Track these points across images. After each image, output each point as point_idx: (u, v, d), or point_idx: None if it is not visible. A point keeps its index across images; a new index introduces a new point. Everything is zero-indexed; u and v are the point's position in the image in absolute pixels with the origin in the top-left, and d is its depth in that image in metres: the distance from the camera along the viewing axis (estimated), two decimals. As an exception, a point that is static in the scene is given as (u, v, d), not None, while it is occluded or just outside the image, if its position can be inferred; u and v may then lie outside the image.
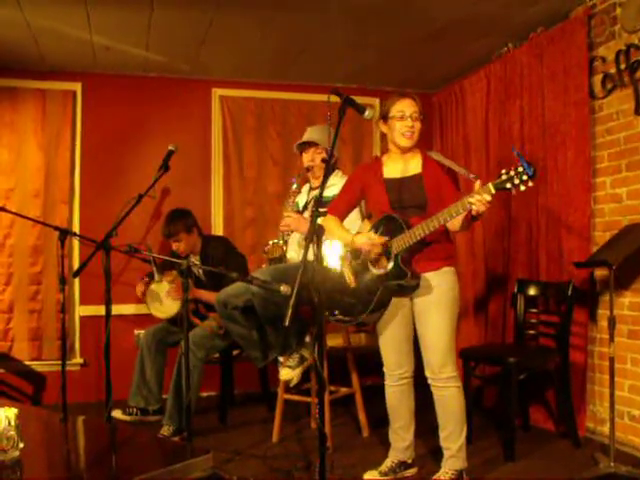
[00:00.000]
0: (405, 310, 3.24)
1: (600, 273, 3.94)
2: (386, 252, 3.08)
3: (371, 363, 3.40)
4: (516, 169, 2.67)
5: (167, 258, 3.80)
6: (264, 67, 5.20)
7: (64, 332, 3.86)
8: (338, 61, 5.02)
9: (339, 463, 3.48)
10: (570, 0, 4.05)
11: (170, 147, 3.78)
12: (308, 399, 4.09)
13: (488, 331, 4.90)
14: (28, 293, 4.96)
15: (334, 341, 4.19)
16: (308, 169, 3.98)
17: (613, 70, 3.83)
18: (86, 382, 4.91)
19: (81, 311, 5.11)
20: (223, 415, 4.49)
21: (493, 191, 2.73)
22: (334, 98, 2.66)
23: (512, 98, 4.65)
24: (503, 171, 2.72)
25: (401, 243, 3.01)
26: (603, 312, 3.95)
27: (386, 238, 3.06)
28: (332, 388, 4.04)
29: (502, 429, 3.91)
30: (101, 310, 3.51)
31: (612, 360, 3.29)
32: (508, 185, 2.69)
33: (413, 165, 3.21)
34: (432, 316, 3.12)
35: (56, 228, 3.86)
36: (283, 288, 2.75)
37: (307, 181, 4.13)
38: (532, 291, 4.20)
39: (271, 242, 4.04)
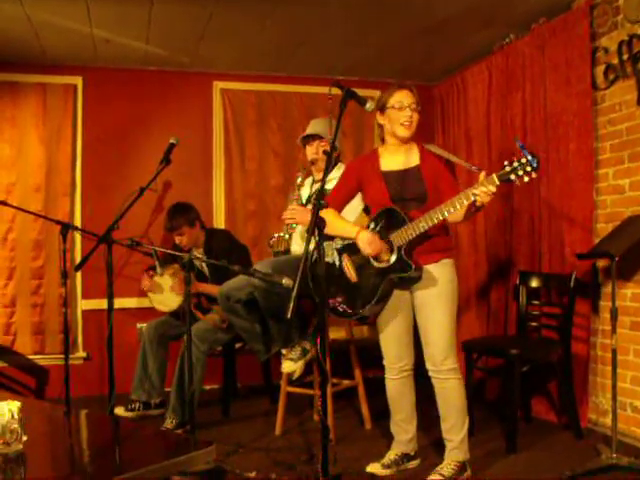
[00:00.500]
0: (405, 303, 3.24)
1: (602, 264, 3.94)
2: (388, 246, 3.07)
3: (373, 355, 3.40)
4: (520, 160, 2.68)
5: (169, 251, 3.80)
6: (265, 60, 5.18)
7: (66, 326, 3.86)
8: (339, 53, 5.01)
9: (342, 455, 3.48)
10: (572, -10, 4.04)
11: (171, 140, 3.77)
12: (311, 392, 4.09)
13: (490, 323, 4.90)
14: (30, 287, 4.97)
15: (337, 334, 4.19)
16: (312, 162, 3.97)
17: (615, 61, 3.81)
18: (89, 376, 4.92)
19: (83, 305, 5.11)
20: (226, 408, 4.50)
21: (497, 182, 2.73)
22: (335, 90, 2.65)
23: (514, 89, 4.63)
24: (506, 162, 2.72)
25: (404, 236, 3.00)
26: (605, 304, 3.95)
27: (389, 238, 3.06)
28: (334, 380, 4.05)
29: (504, 421, 3.92)
30: (103, 304, 3.51)
31: (614, 352, 3.29)
32: (512, 176, 2.70)
33: (411, 157, 3.21)
34: (433, 308, 3.12)
35: (58, 222, 3.86)
36: (285, 280, 2.75)
37: (310, 174, 4.12)
38: (534, 283, 4.19)
39: (276, 235, 4.01)
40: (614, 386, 3.30)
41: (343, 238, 3.25)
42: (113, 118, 5.19)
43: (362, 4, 4.06)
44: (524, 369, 3.72)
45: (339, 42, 4.75)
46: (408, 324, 3.27)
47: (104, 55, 4.92)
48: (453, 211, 2.87)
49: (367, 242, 3.08)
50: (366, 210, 3.49)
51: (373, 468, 3.34)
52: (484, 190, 2.74)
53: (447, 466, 3.14)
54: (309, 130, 3.95)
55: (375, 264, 3.12)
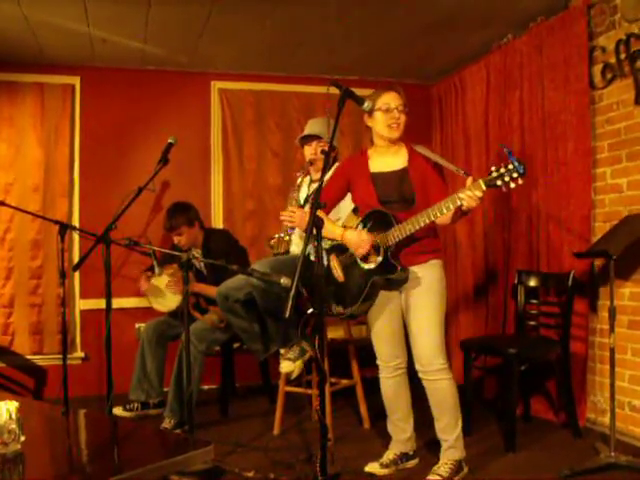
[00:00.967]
0: (394, 303, 3.25)
1: (600, 264, 3.94)
2: (375, 247, 3.08)
3: (372, 355, 3.40)
4: (506, 166, 2.68)
5: (167, 251, 3.80)
6: (263, 59, 5.18)
7: (65, 326, 3.86)
8: (337, 53, 5.01)
9: (340, 455, 3.48)
10: (570, -10, 4.05)
11: (169, 140, 3.77)
12: (309, 391, 4.10)
13: (488, 322, 4.91)
14: (28, 287, 4.96)
15: (335, 333, 4.20)
16: (311, 162, 3.96)
17: (613, 60, 3.82)
18: (87, 376, 4.91)
19: (81, 305, 5.11)
20: (224, 408, 4.50)
21: (484, 188, 2.74)
22: (333, 90, 2.65)
23: (512, 89, 4.64)
24: (493, 168, 2.72)
25: (391, 238, 3.01)
26: (603, 303, 3.95)
27: (375, 235, 3.06)
28: (333, 380, 4.05)
29: (503, 420, 3.92)
30: (101, 304, 3.52)
31: (612, 350, 3.29)
32: (499, 182, 2.70)
33: (399, 159, 3.21)
34: (420, 309, 3.12)
35: (56, 222, 3.86)
36: (283, 280, 2.75)
37: (308, 174, 4.11)
38: (532, 282, 4.20)
39: (277, 236, 4.01)
40: (612, 385, 3.30)
41: (331, 239, 3.25)
42: (111, 118, 5.19)
43: (360, 4, 4.06)
44: (522, 368, 3.72)
45: (337, 42, 4.75)
46: (399, 323, 3.28)
47: (102, 55, 4.92)
48: (440, 215, 2.87)
49: (355, 242, 3.10)
50: (355, 211, 3.49)
51: (371, 468, 3.34)
52: (470, 195, 2.75)
53: (443, 466, 3.14)
54: (307, 130, 3.94)
55: (362, 265, 3.12)
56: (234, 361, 4.81)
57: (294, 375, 3.86)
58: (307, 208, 3.87)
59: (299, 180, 3.99)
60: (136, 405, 4.44)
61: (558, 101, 4.16)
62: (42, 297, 4.99)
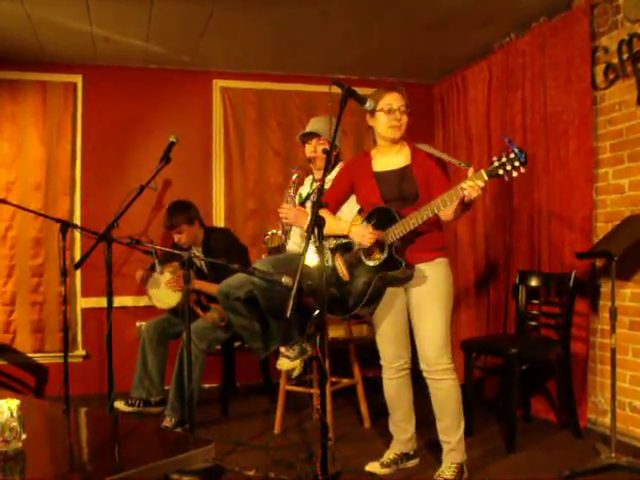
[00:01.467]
0: (400, 302, 3.24)
1: (602, 264, 3.94)
2: (379, 243, 3.07)
3: (373, 354, 3.40)
4: (508, 155, 2.66)
5: (168, 249, 3.80)
6: (265, 58, 5.18)
7: (66, 324, 3.86)
8: (338, 52, 5.00)
9: (341, 454, 3.48)
10: (572, -10, 4.04)
11: (171, 138, 3.78)
12: (310, 390, 4.10)
13: (489, 322, 4.91)
14: (30, 285, 4.97)
15: (336, 332, 4.19)
16: (310, 160, 3.97)
17: (616, 60, 3.81)
18: (88, 374, 4.91)
19: (83, 303, 5.11)
20: (225, 406, 4.51)
21: (486, 177, 2.71)
22: (335, 89, 2.65)
23: (514, 89, 4.63)
24: (495, 157, 2.70)
25: (394, 233, 3.00)
26: (604, 303, 3.95)
27: (380, 235, 3.06)
28: (334, 379, 4.05)
29: (503, 420, 3.92)
30: (103, 302, 3.52)
31: (613, 351, 3.29)
32: (500, 171, 2.67)
33: (402, 157, 3.20)
34: (426, 308, 3.11)
35: (57, 220, 3.86)
36: (284, 279, 2.76)
37: (310, 172, 4.11)
38: (534, 282, 4.20)
39: (270, 232, 4.05)
40: (613, 386, 3.30)
41: (336, 237, 3.25)
42: (113, 116, 5.19)
43: (362, 3, 4.06)
44: (523, 368, 3.73)
45: (339, 41, 4.75)
46: (404, 323, 3.27)
47: (104, 53, 4.92)
48: (443, 208, 2.86)
49: (360, 235, 3.09)
50: (360, 212, 3.50)
51: (372, 467, 3.34)
52: (471, 184, 2.72)
53: (447, 469, 3.12)
54: (308, 128, 3.95)
55: (366, 262, 3.12)
56: (235, 360, 4.82)
57: (295, 373, 3.86)
58: (309, 206, 3.88)
59: (294, 177, 4.00)
60: (137, 402, 4.44)
61: (560, 101, 4.16)
62: (43, 295, 4.99)
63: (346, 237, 3.22)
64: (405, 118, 3.15)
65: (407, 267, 3.03)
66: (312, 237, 2.49)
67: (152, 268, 4.49)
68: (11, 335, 4.93)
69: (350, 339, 4.12)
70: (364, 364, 4.15)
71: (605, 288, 3.95)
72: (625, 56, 3.74)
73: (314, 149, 3.91)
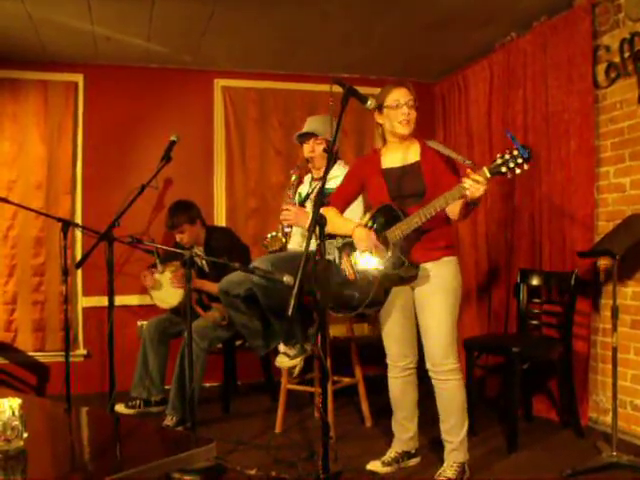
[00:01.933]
0: (407, 301, 3.23)
1: (603, 263, 3.93)
2: (384, 242, 3.07)
3: (374, 353, 3.40)
4: (511, 152, 2.63)
5: (170, 249, 3.80)
6: (266, 57, 5.18)
7: (67, 323, 3.87)
8: (340, 51, 5.00)
9: (342, 453, 3.49)
10: (574, -12, 4.04)
11: (172, 138, 3.78)
12: (311, 389, 4.10)
13: (491, 321, 4.91)
14: (31, 284, 4.97)
15: (337, 331, 4.20)
16: (308, 160, 3.97)
17: (617, 59, 3.81)
18: (89, 373, 4.92)
19: (84, 302, 5.12)
20: (226, 405, 4.51)
21: (488, 175, 2.68)
22: (336, 88, 2.65)
23: (515, 88, 4.63)
24: (498, 155, 2.67)
25: (398, 232, 3.00)
26: (606, 302, 3.95)
27: (385, 233, 3.05)
28: (335, 378, 4.05)
29: (505, 419, 3.92)
30: (104, 301, 3.51)
31: (615, 350, 3.29)
32: (503, 169, 2.65)
33: (411, 154, 3.19)
34: (433, 307, 3.10)
35: (59, 219, 3.86)
36: (286, 278, 2.75)
37: (309, 171, 4.12)
38: (535, 281, 4.19)
39: (269, 235, 4.06)
40: (614, 384, 3.30)
41: (343, 236, 3.25)
42: (114, 116, 5.19)
43: (363, 2, 4.06)
44: (525, 367, 3.72)
45: (340, 40, 4.75)
46: (411, 322, 3.26)
47: (105, 52, 4.92)
48: (445, 206, 2.84)
49: (360, 238, 3.09)
50: (369, 209, 3.49)
51: (373, 466, 3.35)
52: (472, 183, 2.69)
53: (449, 468, 3.12)
54: (305, 128, 3.96)
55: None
56: (236, 359, 4.82)
57: (296, 371, 3.87)
58: (309, 205, 3.89)
59: (293, 178, 4.00)
60: (138, 402, 4.45)
61: (561, 100, 4.15)
62: (45, 294, 5.00)
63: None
64: (414, 113, 3.14)
65: (411, 266, 3.01)
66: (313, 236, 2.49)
67: (153, 267, 4.50)
68: (12, 334, 4.93)
69: (351, 338, 4.12)
70: (365, 363, 4.16)
71: (606, 287, 3.94)
72: (626, 55, 3.74)
73: (312, 149, 3.91)
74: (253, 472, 3.25)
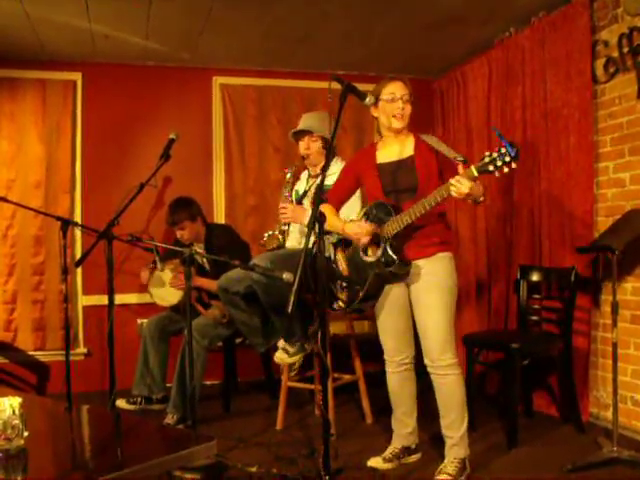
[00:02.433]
0: (402, 297, 3.23)
1: (603, 258, 3.93)
2: (376, 239, 3.07)
3: (374, 350, 3.40)
4: (499, 150, 2.60)
5: (169, 247, 3.80)
6: (264, 55, 5.17)
7: (67, 322, 3.87)
8: (339, 48, 4.99)
9: (343, 450, 3.49)
10: (572, -17, 4.03)
11: (171, 135, 3.77)
12: (312, 386, 4.10)
13: (491, 317, 4.91)
14: (31, 283, 4.97)
15: (337, 328, 4.20)
16: (304, 157, 3.97)
17: (616, 54, 3.80)
18: (90, 372, 4.92)
19: (84, 301, 5.12)
20: (227, 403, 4.51)
21: (476, 174, 2.68)
22: (335, 85, 2.64)
23: (514, 83, 4.63)
24: (486, 153, 2.65)
25: (390, 229, 3.00)
26: (606, 297, 3.95)
27: (375, 226, 3.06)
28: (335, 375, 4.05)
29: (505, 415, 3.92)
30: (104, 300, 3.51)
31: (615, 345, 3.29)
32: (491, 167, 2.62)
33: (405, 148, 3.19)
34: (429, 304, 3.09)
35: (58, 218, 3.86)
36: (285, 275, 2.75)
37: (305, 169, 4.11)
38: (535, 277, 4.19)
39: (266, 234, 4.06)
40: (615, 380, 3.30)
41: (338, 233, 3.26)
42: (112, 114, 5.19)
43: (362, 1, 4.05)
44: (525, 363, 3.73)
45: (339, 37, 4.74)
46: (406, 318, 3.26)
47: (103, 51, 4.91)
48: (434, 204, 2.84)
49: (353, 232, 3.12)
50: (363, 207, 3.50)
51: (374, 462, 3.35)
52: (457, 182, 2.69)
53: (450, 464, 3.12)
54: (300, 126, 3.95)
55: (365, 258, 3.12)
56: (236, 356, 4.82)
57: (295, 367, 3.87)
58: (306, 202, 3.89)
59: (288, 176, 4.00)
60: (139, 400, 4.45)
61: (560, 96, 4.15)
62: (44, 293, 5.00)
63: None
64: (409, 107, 3.14)
65: (403, 263, 3.01)
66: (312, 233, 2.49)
67: (153, 265, 4.49)
68: (12, 333, 4.93)
69: (351, 335, 4.12)
70: (366, 360, 4.16)
71: (606, 282, 3.94)
72: (625, 50, 3.73)
73: (307, 146, 3.91)
74: (254, 469, 3.25)
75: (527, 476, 3.21)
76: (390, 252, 3.00)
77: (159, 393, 4.49)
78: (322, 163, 3.81)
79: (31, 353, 4.97)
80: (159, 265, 4.41)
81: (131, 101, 5.24)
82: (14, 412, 1.79)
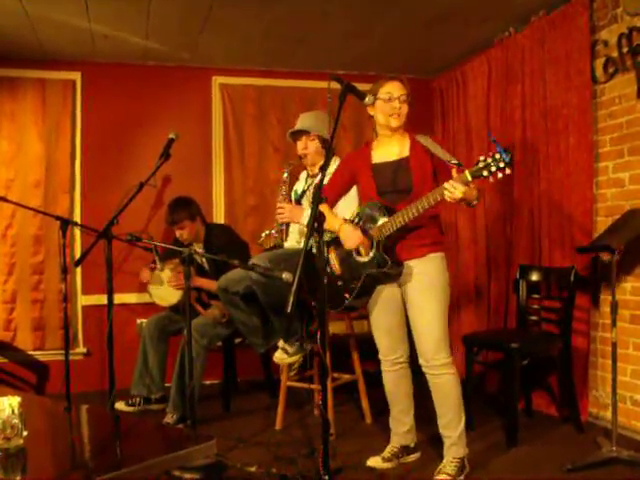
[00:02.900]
0: (394, 297, 3.24)
1: (602, 258, 3.93)
2: (370, 240, 3.07)
3: (374, 350, 3.40)
4: (493, 156, 2.62)
5: (169, 246, 3.79)
6: (264, 55, 5.17)
7: (66, 322, 3.87)
8: (338, 48, 4.99)
9: (342, 450, 3.49)
10: (572, -17, 4.03)
11: (171, 135, 3.77)
12: (311, 386, 4.10)
13: (490, 317, 4.91)
14: (30, 283, 4.97)
15: (337, 328, 4.20)
16: (301, 157, 3.97)
17: (615, 54, 3.80)
18: (89, 371, 4.92)
19: (83, 300, 5.11)
20: (226, 403, 4.51)
21: (470, 178, 2.69)
22: (335, 84, 2.64)
23: (513, 83, 4.63)
24: (481, 158, 2.67)
25: (383, 231, 3.01)
26: (605, 297, 3.95)
27: (371, 232, 3.06)
28: (335, 375, 4.05)
29: (505, 415, 3.92)
30: (103, 299, 3.52)
31: (614, 345, 3.29)
32: (485, 173, 2.64)
33: (401, 148, 3.19)
34: (421, 303, 3.10)
35: (57, 218, 3.86)
36: (285, 275, 2.75)
37: (304, 168, 4.11)
38: (534, 277, 4.19)
39: (263, 234, 4.06)
40: (614, 380, 3.30)
41: (332, 231, 3.26)
42: (112, 113, 5.18)
43: (362, 0, 4.05)
44: (524, 363, 3.73)
45: (339, 37, 4.74)
46: (399, 317, 3.27)
47: (103, 50, 4.91)
48: (427, 207, 2.85)
49: (347, 236, 3.13)
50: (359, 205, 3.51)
51: (373, 462, 3.35)
52: (450, 186, 2.71)
53: (449, 464, 3.12)
54: (297, 126, 3.94)
55: (357, 258, 3.13)
56: (236, 356, 4.82)
57: (295, 366, 3.87)
58: (305, 202, 3.89)
59: (285, 176, 4.00)
60: (138, 400, 4.45)
61: (560, 95, 4.15)
62: (44, 293, 5.00)
63: None
64: (405, 107, 3.14)
65: (395, 264, 3.03)
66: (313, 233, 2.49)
67: (153, 265, 4.49)
68: (12, 333, 4.93)
69: (351, 334, 4.12)
70: (365, 359, 4.15)
71: (606, 282, 3.94)
72: (625, 49, 3.73)
73: (305, 146, 3.91)
74: (253, 469, 3.25)
75: (526, 476, 3.21)
76: (382, 253, 3.01)
77: (158, 393, 4.49)
78: (320, 162, 3.81)
79: (30, 353, 4.97)
80: (159, 265, 4.41)
81: (131, 101, 5.24)
82: (13, 412, 1.78)
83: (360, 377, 4.07)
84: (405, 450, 3.40)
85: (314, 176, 3.94)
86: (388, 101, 3.12)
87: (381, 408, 3.84)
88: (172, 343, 4.55)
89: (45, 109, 5.02)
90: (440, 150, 3.03)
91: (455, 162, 2.85)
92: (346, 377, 4.12)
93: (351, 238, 3.11)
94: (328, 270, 3.25)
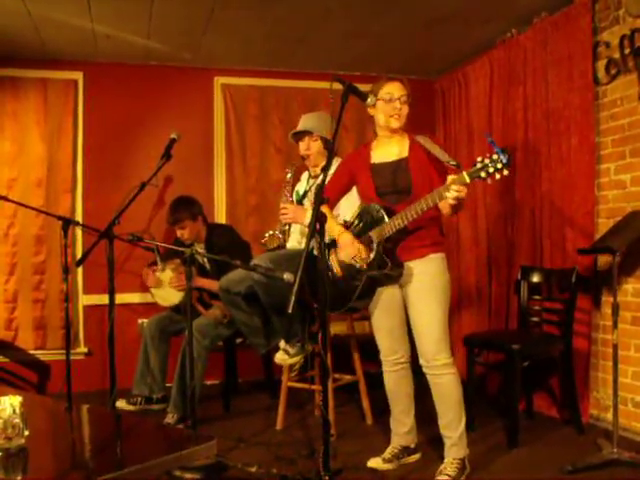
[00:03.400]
0: (395, 298, 3.24)
1: (604, 260, 3.93)
2: (368, 243, 3.07)
3: (375, 350, 3.40)
4: (491, 157, 2.61)
5: (170, 246, 3.80)
6: (266, 55, 5.17)
7: (68, 321, 3.87)
8: (340, 48, 5.00)
9: (343, 450, 3.49)
10: (574, -15, 4.03)
11: (172, 135, 3.77)
12: (312, 386, 4.10)
13: (491, 318, 4.91)
14: (32, 282, 4.98)
15: (338, 328, 4.20)
16: (304, 158, 3.97)
17: (617, 55, 3.80)
18: (90, 371, 4.93)
19: (85, 300, 5.12)
20: (227, 403, 4.51)
21: (468, 180, 2.68)
22: (337, 85, 2.64)
23: (516, 84, 4.62)
24: (478, 159, 2.66)
25: (382, 233, 3.00)
26: (607, 299, 3.94)
27: (367, 252, 3.06)
28: (336, 375, 4.05)
29: (506, 416, 3.92)
30: (105, 299, 3.51)
31: (615, 347, 3.29)
32: (483, 174, 2.63)
33: (400, 149, 3.19)
34: (421, 304, 3.10)
35: (59, 217, 3.86)
36: (286, 276, 2.75)
37: (306, 169, 4.11)
38: (536, 278, 4.19)
39: (267, 234, 4.06)
40: (615, 381, 3.30)
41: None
42: (114, 113, 5.19)
43: (363, 1, 4.05)
44: (525, 364, 3.72)
45: (340, 37, 4.74)
46: (400, 318, 3.27)
47: (105, 50, 4.91)
48: (426, 208, 2.84)
49: (345, 245, 3.13)
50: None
51: (374, 463, 3.35)
52: (454, 187, 2.70)
53: (449, 465, 3.11)
54: (299, 126, 3.95)
55: (355, 265, 3.12)
56: (237, 356, 4.82)
57: (296, 367, 3.87)
58: (307, 203, 3.89)
59: (288, 176, 4.00)
60: (139, 400, 4.45)
61: (562, 97, 4.15)
62: (45, 292, 5.00)
63: None
64: (405, 108, 3.14)
65: (395, 266, 3.02)
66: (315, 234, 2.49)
67: (154, 265, 4.49)
68: (13, 332, 4.94)
69: (352, 335, 4.12)
70: (366, 360, 4.15)
71: (607, 284, 3.94)
72: (627, 51, 3.73)
73: (307, 146, 3.91)
74: (254, 469, 3.25)
75: (527, 477, 3.22)
76: (383, 255, 3.01)
77: (159, 393, 4.49)
78: (322, 163, 3.81)
79: (32, 352, 4.97)
80: (160, 265, 4.41)
81: (132, 101, 5.24)
82: (14, 411, 1.79)
83: (361, 378, 4.07)
84: (406, 451, 3.39)
85: (316, 177, 3.94)
86: (389, 102, 3.12)
87: (382, 409, 3.83)
88: (173, 343, 4.55)
89: (47, 109, 5.03)
90: (439, 150, 3.03)
91: (453, 163, 2.85)
92: (347, 378, 4.12)
93: (347, 250, 3.11)
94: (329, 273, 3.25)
